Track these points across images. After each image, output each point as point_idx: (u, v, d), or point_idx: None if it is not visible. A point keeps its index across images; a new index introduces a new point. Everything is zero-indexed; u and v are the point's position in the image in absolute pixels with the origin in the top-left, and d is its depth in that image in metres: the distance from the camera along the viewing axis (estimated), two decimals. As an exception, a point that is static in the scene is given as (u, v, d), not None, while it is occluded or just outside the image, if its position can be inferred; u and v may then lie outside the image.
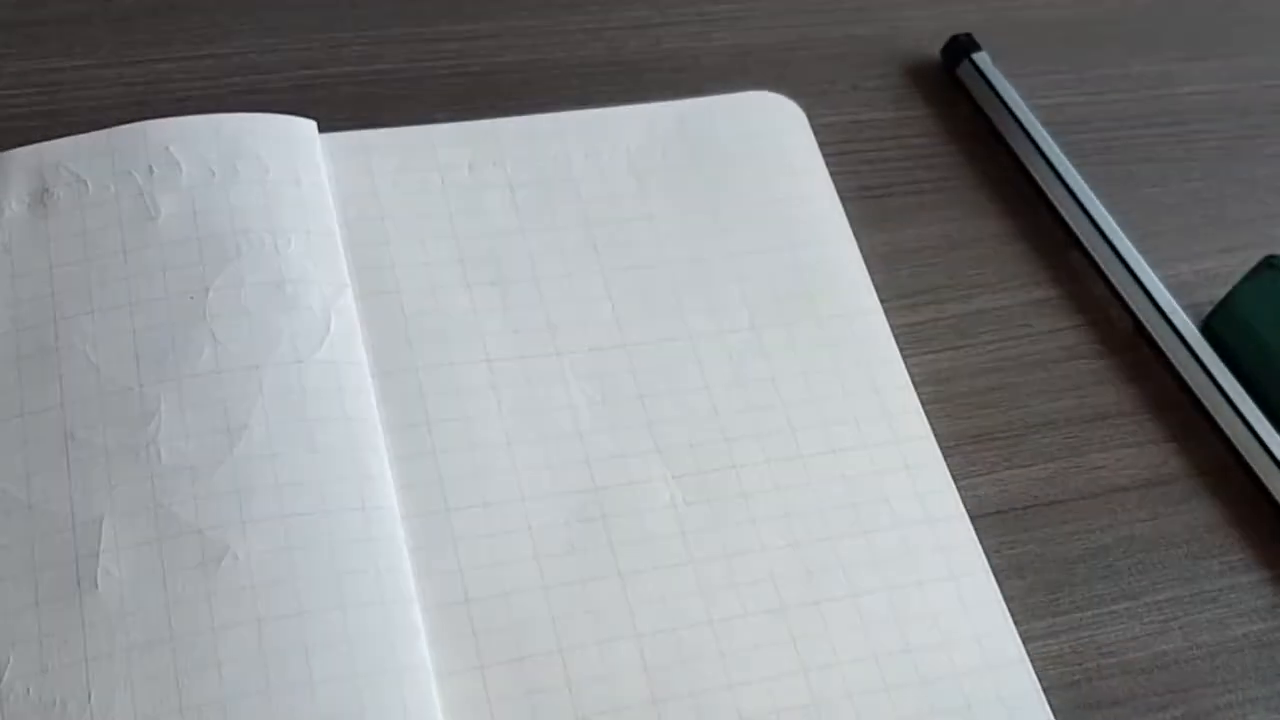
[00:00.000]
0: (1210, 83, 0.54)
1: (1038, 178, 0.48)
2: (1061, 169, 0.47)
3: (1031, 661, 0.37)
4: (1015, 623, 0.37)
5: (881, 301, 0.43)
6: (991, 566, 0.38)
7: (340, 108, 0.44)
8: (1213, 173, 0.51)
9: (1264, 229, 0.49)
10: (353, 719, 0.31)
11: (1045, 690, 0.36)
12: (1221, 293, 0.44)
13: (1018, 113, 0.49)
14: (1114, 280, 0.46)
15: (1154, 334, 0.44)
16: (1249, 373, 0.43)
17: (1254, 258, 0.44)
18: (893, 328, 0.42)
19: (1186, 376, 0.43)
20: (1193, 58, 0.54)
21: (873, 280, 0.43)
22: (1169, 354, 0.44)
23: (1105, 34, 0.55)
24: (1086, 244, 0.46)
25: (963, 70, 0.50)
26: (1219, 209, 0.50)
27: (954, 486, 0.39)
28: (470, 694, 0.33)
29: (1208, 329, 0.45)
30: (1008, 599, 0.38)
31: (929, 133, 0.50)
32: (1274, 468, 0.41)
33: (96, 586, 0.32)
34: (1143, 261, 0.45)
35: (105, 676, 0.31)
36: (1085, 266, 0.46)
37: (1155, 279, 0.45)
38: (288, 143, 0.40)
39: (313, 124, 0.41)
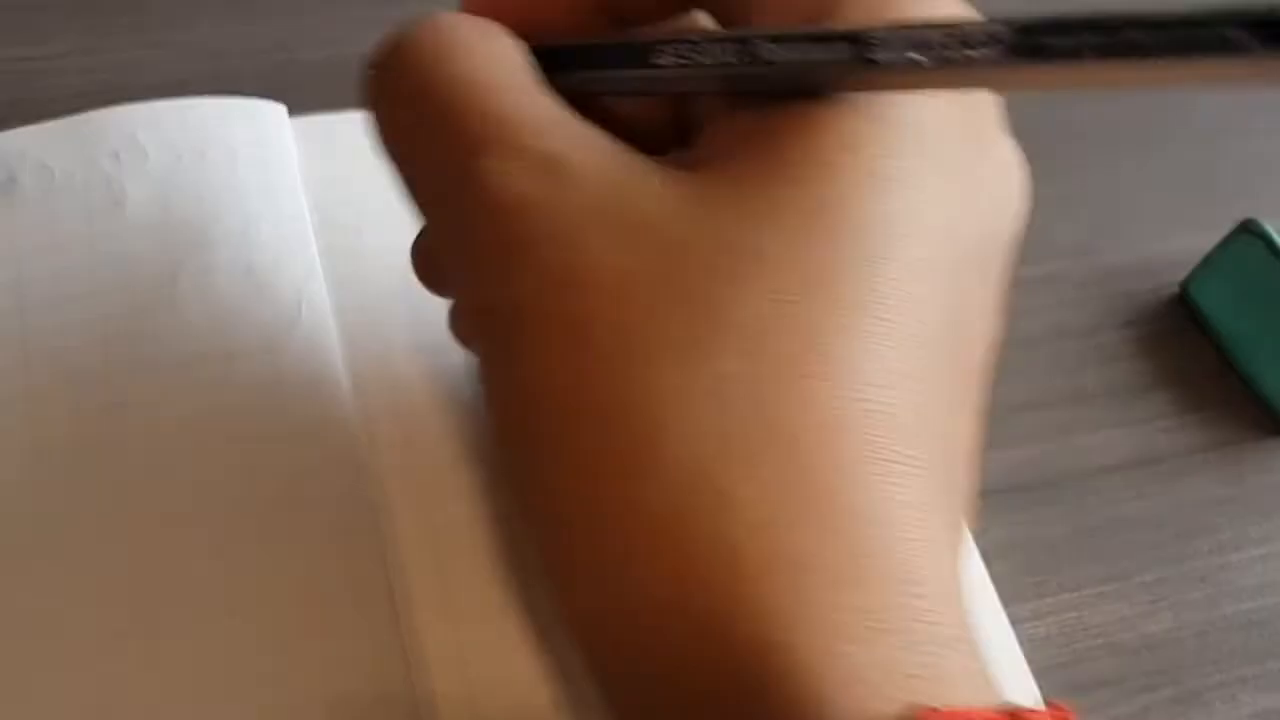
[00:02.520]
0: (1193, 57, 0.53)
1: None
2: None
3: (1019, 643, 0.37)
4: (1002, 604, 0.37)
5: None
6: (978, 548, 0.38)
7: (309, 91, 0.43)
8: (1197, 148, 0.51)
9: (1248, 204, 0.48)
10: (325, 706, 0.31)
11: (1033, 672, 0.36)
12: (1206, 265, 0.44)
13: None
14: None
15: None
16: (1224, 337, 0.43)
17: (1240, 232, 0.44)
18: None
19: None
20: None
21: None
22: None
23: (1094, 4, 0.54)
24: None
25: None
26: (1203, 185, 0.49)
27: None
28: (447, 685, 0.33)
29: (1184, 294, 0.45)
30: (994, 581, 0.38)
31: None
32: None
33: (65, 581, 0.32)
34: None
35: (74, 675, 0.31)
36: (1070, 246, 0.46)
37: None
38: (256, 127, 0.40)
39: (282, 107, 0.41)
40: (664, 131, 0.29)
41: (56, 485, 0.33)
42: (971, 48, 0.21)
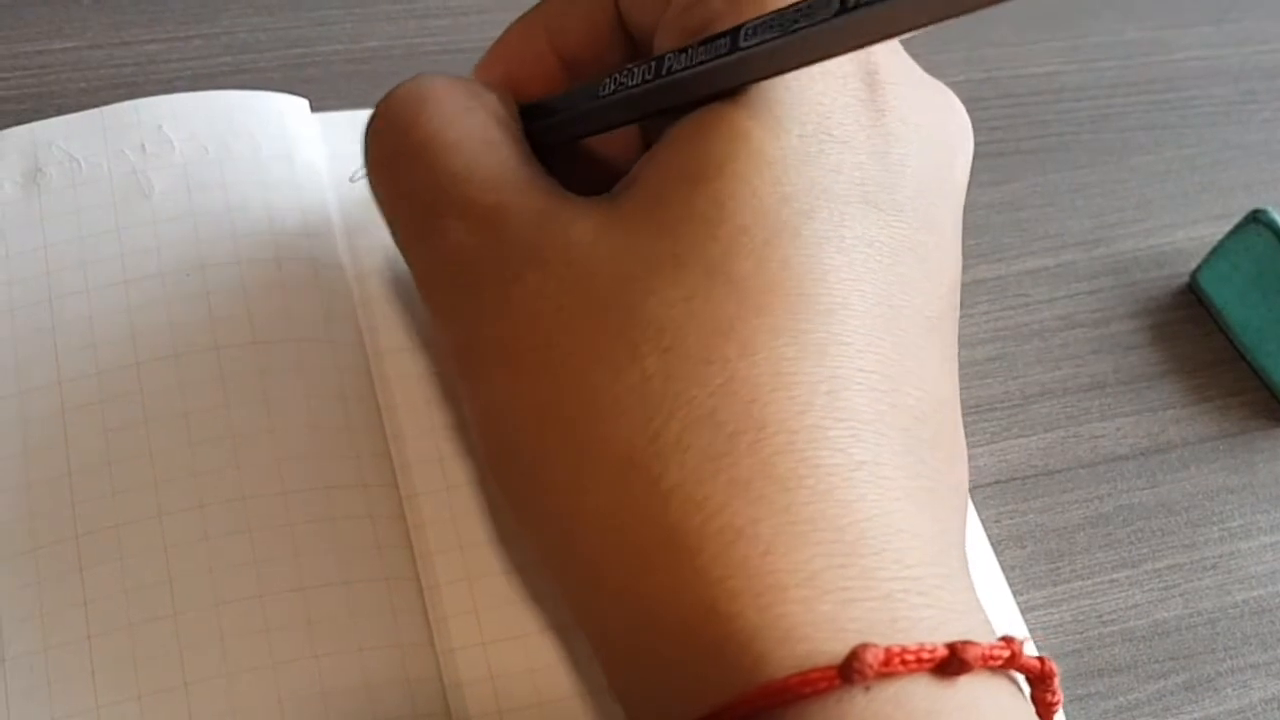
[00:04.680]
0: (1203, 48, 0.54)
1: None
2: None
3: (1032, 631, 0.37)
4: (1015, 592, 0.38)
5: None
6: (991, 536, 0.38)
7: (331, 86, 0.44)
8: (1206, 139, 0.51)
9: (1257, 194, 0.49)
10: (357, 692, 0.31)
11: (1047, 658, 0.36)
12: (1214, 256, 0.45)
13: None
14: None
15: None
16: (1234, 327, 0.44)
17: (1247, 223, 0.44)
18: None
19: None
20: (1185, 24, 0.54)
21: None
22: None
23: (1099, 1, 0.54)
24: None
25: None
26: (1212, 175, 0.50)
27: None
28: (474, 670, 0.33)
29: (1194, 284, 0.45)
30: (1008, 569, 0.38)
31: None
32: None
33: (97, 564, 0.32)
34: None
35: (107, 653, 0.31)
36: (1080, 237, 0.46)
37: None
38: (280, 121, 0.40)
39: (304, 102, 0.41)
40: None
41: (87, 474, 0.33)
42: (811, 16, 0.24)
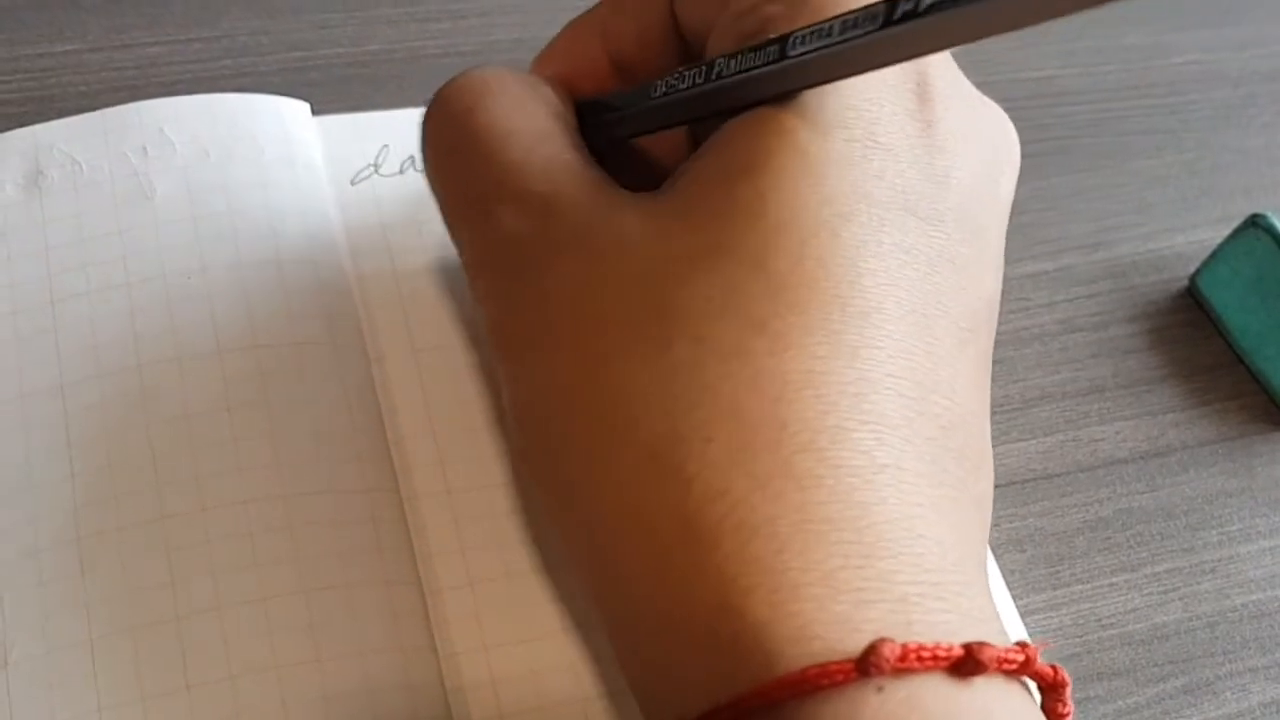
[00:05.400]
0: (1202, 52, 0.54)
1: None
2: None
3: (1031, 635, 0.37)
4: (1015, 596, 0.38)
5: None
6: (991, 540, 0.38)
7: (332, 89, 0.44)
8: (1205, 143, 0.51)
9: (1257, 199, 0.49)
10: (358, 696, 0.31)
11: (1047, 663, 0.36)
12: (1213, 260, 0.45)
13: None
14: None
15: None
16: (1233, 331, 0.44)
17: (1247, 227, 0.44)
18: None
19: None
20: (1184, 28, 0.54)
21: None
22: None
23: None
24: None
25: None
26: (1212, 179, 0.50)
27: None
28: (476, 674, 0.33)
29: (1193, 288, 0.45)
30: (1007, 572, 0.38)
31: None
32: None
33: (99, 567, 0.32)
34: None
35: (110, 656, 0.31)
36: (1080, 241, 0.47)
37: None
38: (282, 124, 0.40)
39: (306, 105, 0.41)
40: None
41: (89, 477, 0.33)
42: (860, 27, 0.24)
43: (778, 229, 0.25)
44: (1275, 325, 0.42)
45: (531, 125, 0.30)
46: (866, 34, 0.24)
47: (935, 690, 0.23)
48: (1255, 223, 0.43)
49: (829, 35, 0.25)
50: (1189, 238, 0.47)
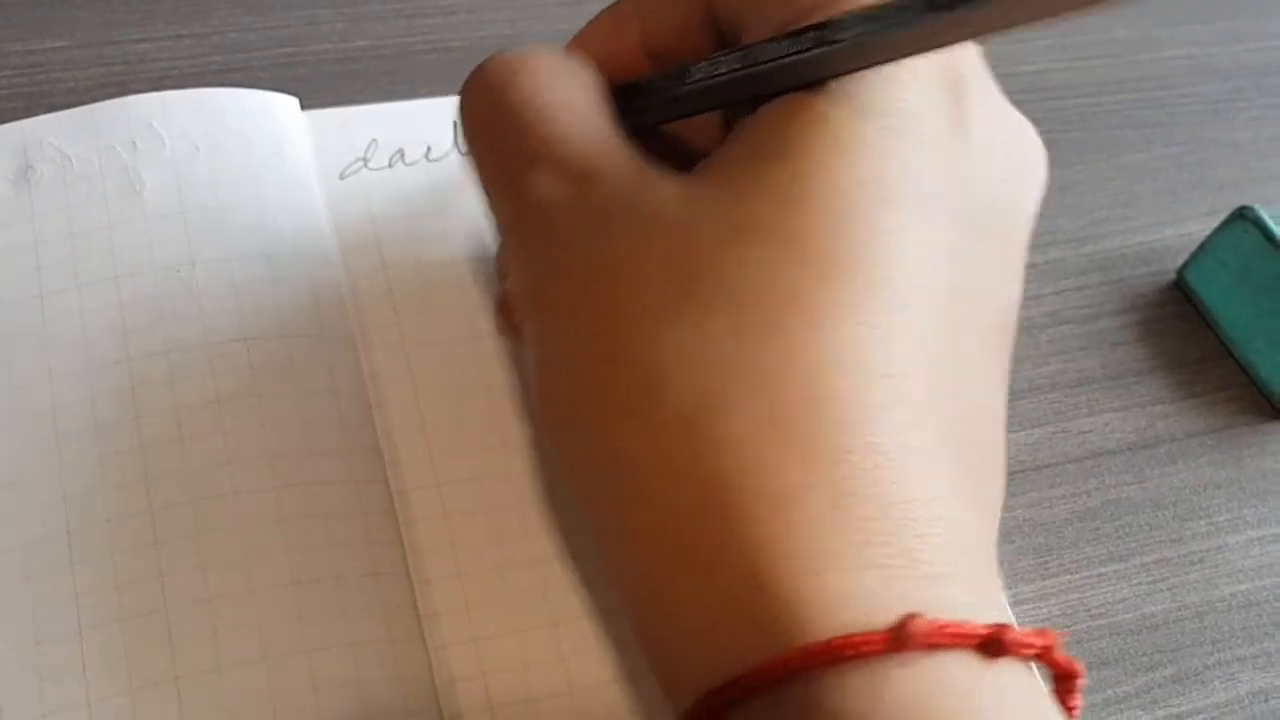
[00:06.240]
0: (1191, 46, 0.54)
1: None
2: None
3: (1021, 625, 0.37)
4: (1004, 586, 0.38)
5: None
6: (982, 531, 0.38)
7: (320, 85, 0.44)
8: (1195, 136, 0.51)
9: (1245, 191, 0.49)
10: (348, 688, 0.32)
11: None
12: (1202, 253, 0.45)
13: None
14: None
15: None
16: (1220, 323, 0.44)
17: (1236, 220, 0.44)
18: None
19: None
20: (1174, 22, 0.55)
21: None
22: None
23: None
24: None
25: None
26: (1200, 172, 0.50)
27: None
28: (465, 666, 0.33)
29: (1181, 281, 0.45)
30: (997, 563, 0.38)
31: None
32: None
33: (86, 560, 0.32)
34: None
35: (100, 648, 0.31)
36: (1069, 233, 0.47)
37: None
38: (271, 118, 0.40)
39: (294, 100, 0.41)
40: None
41: (77, 470, 0.34)
42: (901, 14, 0.24)
43: (814, 210, 0.26)
44: (1262, 317, 0.43)
45: (570, 100, 0.30)
46: (909, 20, 0.24)
47: (960, 669, 0.23)
48: (1243, 215, 0.43)
49: (869, 22, 0.25)
50: (1177, 230, 0.47)
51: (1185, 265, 0.45)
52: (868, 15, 0.25)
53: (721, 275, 0.26)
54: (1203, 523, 0.41)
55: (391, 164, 0.41)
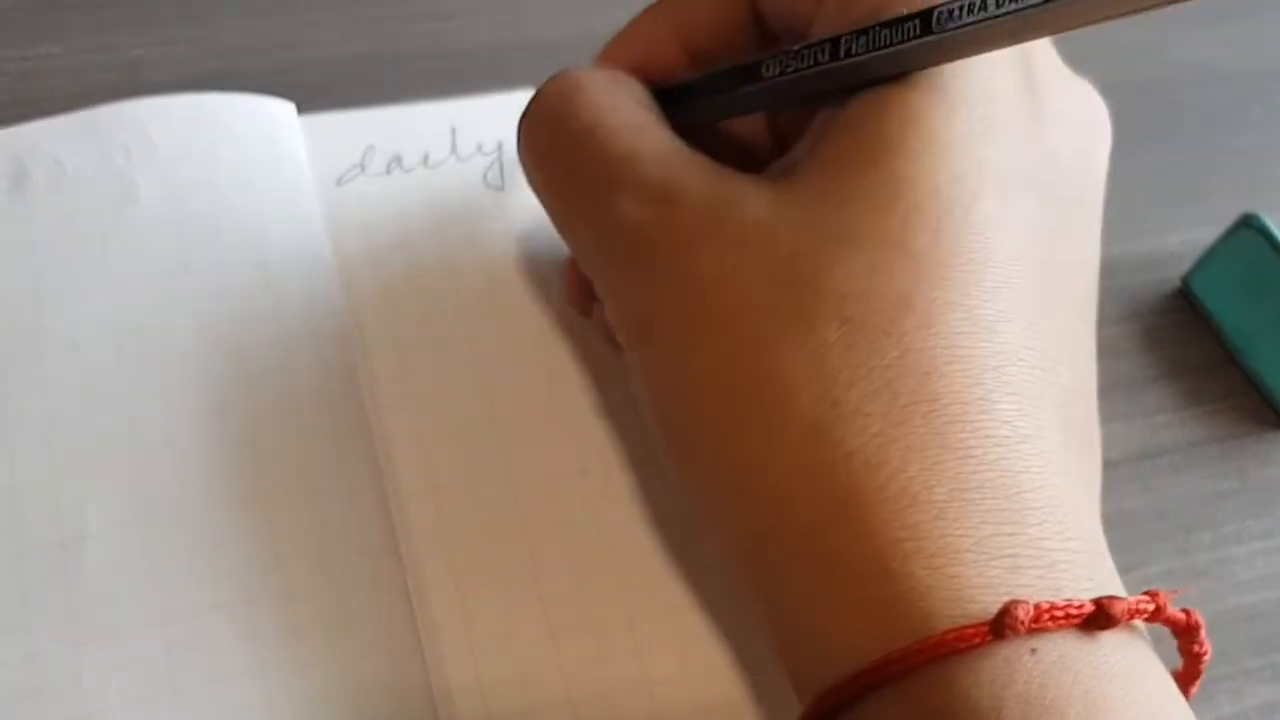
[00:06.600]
0: (1195, 51, 0.53)
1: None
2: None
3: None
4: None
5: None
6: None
7: (317, 90, 0.43)
8: (1198, 143, 0.51)
9: (1249, 198, 0.49)
10: (343, 700, 0.31)
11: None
12: (1206, 260, 0.45)
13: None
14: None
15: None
16: (1225, 331, 0.44)
17: (1239, 227, 0.44)
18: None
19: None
20: (1178, 26, 0.54)
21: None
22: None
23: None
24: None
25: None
26: (1204, 179, 0.49)
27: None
28: (462, 677, 0.33)
29: (1186, 288, 0.45)
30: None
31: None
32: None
33: (83, 570, 0.32)
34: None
35: (96, 661, 0.31)
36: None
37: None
38: (267, 124, 0.40)
39: (291, 105, 0.41)
40: (763, 149, 0.34)
41: (71, 479, 0.33)
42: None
43: (914, 210, 0.26)
44: (1268, 325, 0.42)
45: (629, 118, 0.30)
46: (1027, 6, 0.24)
47: (1084, 653, 0.23)
48: (1248, 223, 0.43)
49: (984, 10, 0.25)
50: (1181, 238, 0.47)
51: (1190, 273, 0.45)
52: (981, 4, 0.25)
53: (829, 286, 0.26)
54: (1208, 534, 0.40)
55: (389, 170, 0.41)
